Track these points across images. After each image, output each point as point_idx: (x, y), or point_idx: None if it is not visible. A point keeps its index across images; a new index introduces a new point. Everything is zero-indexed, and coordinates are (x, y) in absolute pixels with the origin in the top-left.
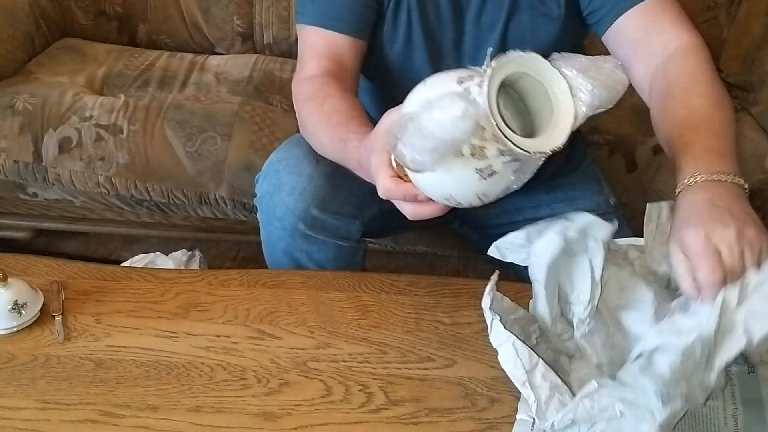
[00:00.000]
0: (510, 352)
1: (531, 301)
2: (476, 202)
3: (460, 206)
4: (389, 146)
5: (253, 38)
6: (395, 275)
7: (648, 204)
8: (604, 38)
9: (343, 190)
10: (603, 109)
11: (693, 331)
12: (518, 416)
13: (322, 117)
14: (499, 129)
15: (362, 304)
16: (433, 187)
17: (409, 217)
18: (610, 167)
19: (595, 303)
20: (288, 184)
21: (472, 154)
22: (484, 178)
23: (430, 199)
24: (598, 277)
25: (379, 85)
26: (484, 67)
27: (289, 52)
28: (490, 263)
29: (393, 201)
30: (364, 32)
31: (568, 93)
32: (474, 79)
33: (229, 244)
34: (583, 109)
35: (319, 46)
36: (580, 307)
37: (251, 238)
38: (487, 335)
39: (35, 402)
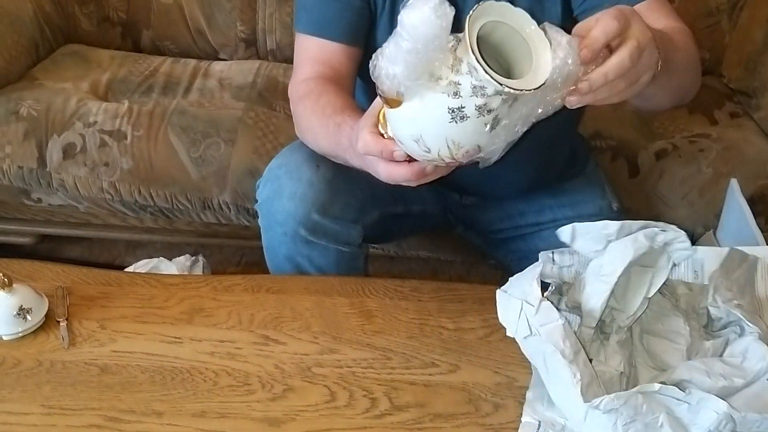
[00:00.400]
0: (559, 332)
1: (569, 290)
2: (445, 152)
3: (427, 156)
4: (371, 74)
5: (256, 44)
6: (399, 281)
7: (731, 248)
8: None
9: (344, 194)
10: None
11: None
12: (523, 419)
13: (316, 110)
14: (473, 54)
15: (366, 310)
16: (406, 124)
17: (383, 178)
18: (613, 172)
19: (637, 317)
20: (288, 189)
21: (447, 92)
22: (455, 121)
23: (407, 162)
24: (651, 294)
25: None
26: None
27: (292, 58)
28: (493, 268)
29: (370, 165)
30: (358, 39)
31: (548, 45)
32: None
33: (233, 249)
34: (558, 62)
35: (314, 53)
36: (623, 315)
37: (255, 244)
38: (491, 340)
39: (40, 407)
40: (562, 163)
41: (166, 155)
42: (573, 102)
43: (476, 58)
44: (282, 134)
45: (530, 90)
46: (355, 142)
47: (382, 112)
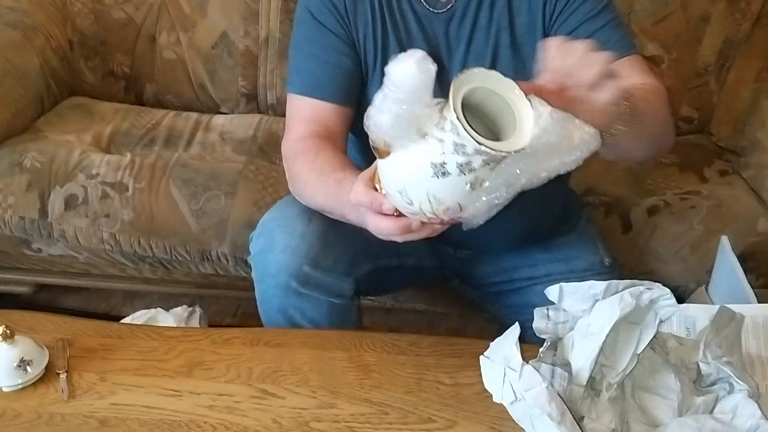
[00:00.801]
0: (544, 396)
1: (555, 351)
2: (426, 206)
3: (410, 209)
4: (365, 126)
5: (257, 99)
6: (397, 335)
7: (720, 306)
8: None
9: (336, 247)
10: (556, 144)
11: None
12: None
13: (315, 167)
14: (455, 111)
15: (364, 364)
16: (392, 174)
17: (371, 229)
18: (606, 228)
19: (627, 373)
20: (281, 242)
21: (431, 147)
22: (437, 177)
23: (394, 216)
24: (640, 350)
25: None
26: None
27: None
28: (489, 321)
29: (362, 217)
30: (349, 99)
31: (531, 114)
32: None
33: (230, 300)
34: (538, 131)
35: (307, 113)
36: (613, 372)
37: (251, 295)
38: (489, 396)
39: None
40: (554, 217)
41: (167, 207)
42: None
43: (457, 116)
44: (282, 187)
45: (508, 152)
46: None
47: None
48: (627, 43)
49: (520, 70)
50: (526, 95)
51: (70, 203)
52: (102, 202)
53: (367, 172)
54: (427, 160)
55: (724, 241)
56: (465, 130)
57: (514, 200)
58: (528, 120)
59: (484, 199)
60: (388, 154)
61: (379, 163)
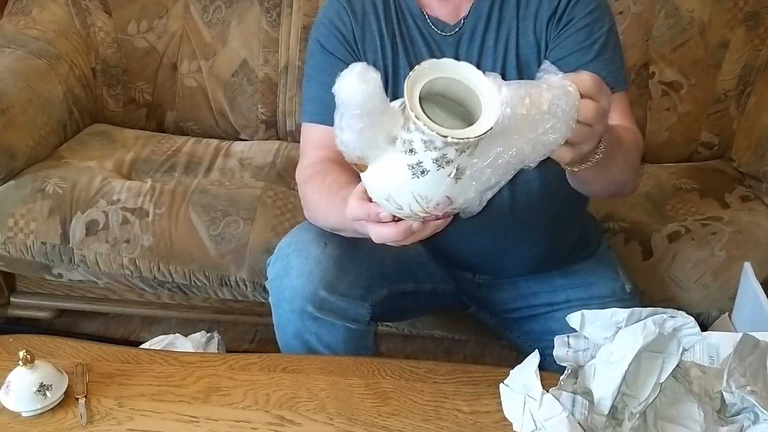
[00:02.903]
0: (564, 425)
1: (576, 379)
2: (416, 207)
3: (402, 213)
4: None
5: (276, 125)
6: (414, 362)
7: (743, 334)
8: None
9: (352, 272)
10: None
11: None
12: None
13: (323, 189)
14: (412, 110)
15: (382, 391)
16: (375, 185)
17: (373, 238)
18: (626, 254)
19: (649, 403)
20: (297, 266)
21: (403, 150)
22: (417, 176)
23: (393, 222)
24: (663, 379)
25: None
26: None
27: None
28: (508, 348)
29: (363, 229)
30: None
31: (496, 94)
32: None
33: (247, 326)
34: (508, 109)
35: (319, 140)
36: (635, 401)
37: (269, 320)
38: (508, 424)
39: None
40: (572, 242)
41: (186, 233)
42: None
43: (416, 115)
44: (299, 213)
45: (477, 136)
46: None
47: None
48: (613, 79)
49: None
50: (484, 73)
51: (91, 229)
52: (122, 227)
53: (358, 187)
54: (402, 163)
55: (747, 267)
56: (427, 126)
57: (530, 225)
58: (492, 99)
59: (473, 184)
60: (365, 167)
61: (362, 176)
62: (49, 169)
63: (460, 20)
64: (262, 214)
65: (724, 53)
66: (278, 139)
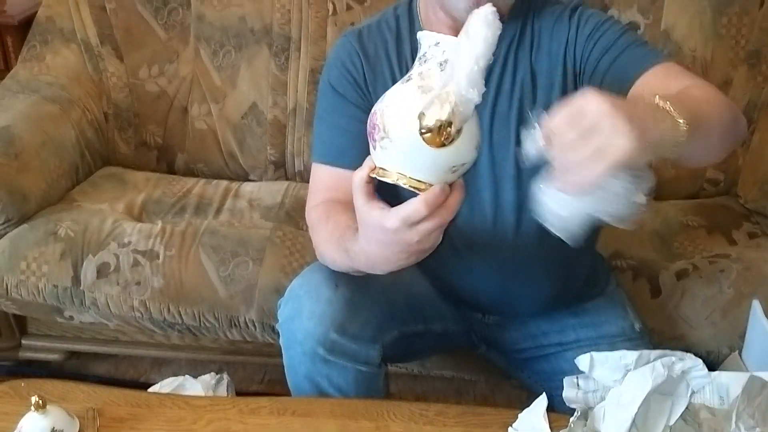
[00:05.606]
0: None
1: (586, 421)
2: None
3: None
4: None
5: (285, 166)
6: (424, 404)
7: (750, 375)
8: None
9: (362, 314)
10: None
11: None
12: None
13: (328, 236)
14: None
15: None
16: (395, 128)
17: (400, 236)
18: (635, 292)
19: None
20: (308, 308)
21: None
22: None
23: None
24: (672, 422)
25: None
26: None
27: None
28: (518, 388)
29: (375, 233)
30: None
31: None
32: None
33: (257, 366)
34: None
35: (327, 181)
36: None
37: (278, 361)
38: None
39: None
40: (581, 281)
41: (196, 274)
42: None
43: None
44: (308, 253)
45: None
46: (361, 239)
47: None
48: (654, 55)
49: None
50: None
51: (102, 271)
52: (133, 269)
53: (372, 204)
54: (408, 91)
55: (756, 305)
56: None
57: (540, 264)
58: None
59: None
60: (385, 171)
61: (388, 150)
62: (61, 212)
63: None
64: (271, 255)
65: (727, 91)
66: (287, 179)
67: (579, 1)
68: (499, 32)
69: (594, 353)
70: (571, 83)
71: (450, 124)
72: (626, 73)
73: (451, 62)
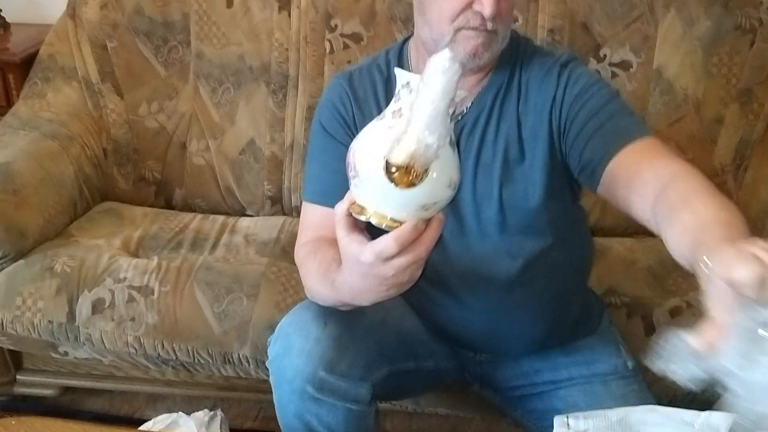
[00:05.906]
0: None
1: None
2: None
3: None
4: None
5: (281, 201)
6: None
7: (735, 417)
8: (599, 190)
9: (351, 352)
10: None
11: None
12: None
13: (315, 269)
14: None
15: None
16: (366, 166)
17: (376, 269)
18: (629, 330)
19: None
20: (297, 346)
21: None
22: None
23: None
24: None
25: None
26: None
27: None
28: (514, 426)
29: (369, 276)
30: None
31: None
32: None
33: (251, 403)
34: None
35: (316, 220)
36: None
37: (272, 398)
38: None
39: None
40: (574, 318)
41: (191, 310)
42: None
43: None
44: (302, 289)
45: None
46: (346, 273)
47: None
48: (638, 128)
49: (530, 176)
50: None
51: (97, 307)
52: (128, 305)
53: (356, 237)
54: (380, 128)
55: None
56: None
57: (532, 303)
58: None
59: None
60: (361, 208)
61: (360, 188)
62: (58, 247)
63: (463, 110)
64: (265, 291)
65: (719, 129)
66: (283, 214)
67: (570, 56)
68: (457, 77)
69: (571, 415)
70: (556, 140)
71: (414, 165)
72: (611, 143)
73: (415, 105)
